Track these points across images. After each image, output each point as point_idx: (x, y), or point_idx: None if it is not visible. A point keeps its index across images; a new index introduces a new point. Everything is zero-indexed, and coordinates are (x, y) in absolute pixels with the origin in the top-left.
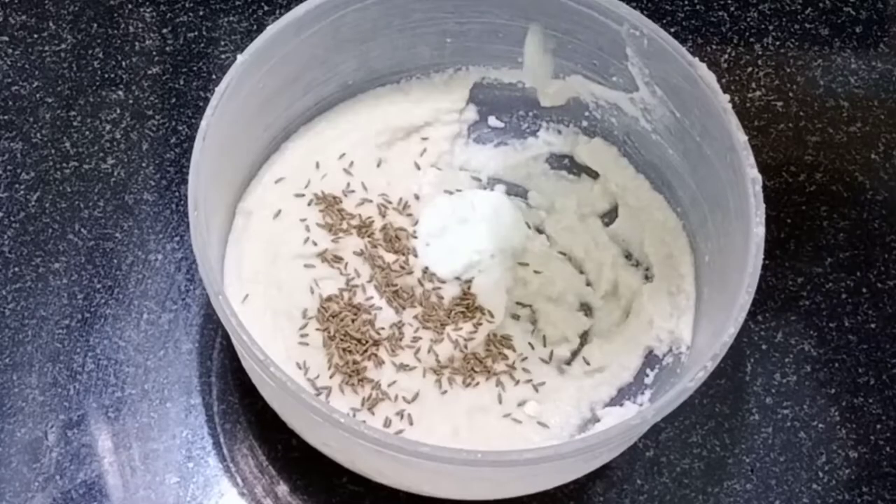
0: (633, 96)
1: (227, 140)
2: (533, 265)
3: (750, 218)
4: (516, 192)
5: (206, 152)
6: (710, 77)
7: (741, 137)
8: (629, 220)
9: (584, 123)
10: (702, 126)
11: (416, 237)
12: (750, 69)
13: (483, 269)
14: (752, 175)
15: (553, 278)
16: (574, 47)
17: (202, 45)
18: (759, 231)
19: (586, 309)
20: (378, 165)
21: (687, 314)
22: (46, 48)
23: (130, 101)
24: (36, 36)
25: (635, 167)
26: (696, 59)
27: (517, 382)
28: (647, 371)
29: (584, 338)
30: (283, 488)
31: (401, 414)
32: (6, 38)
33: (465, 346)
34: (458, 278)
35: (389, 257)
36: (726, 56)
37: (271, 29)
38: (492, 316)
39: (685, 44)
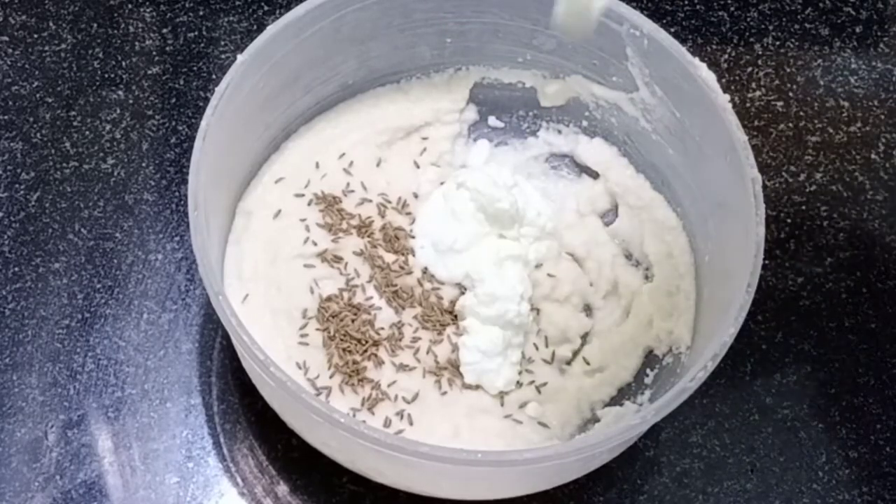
0: (633, 96)
1: (227, 140)
2: (546, 268)
3: (750, 217)
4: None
5: (206, 152)
6: (711, 77)
7: (741, 137)
8: (629, 220)
9: (584, 123)
10: (702, 126)
11: (413, 237)
12: (750, 69)
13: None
14: (752, 175)
15: (563, 280)
16: (574, 47)
17: (202, 45)
18: (759, 231)
19: (587, 309)
20: (378, 165)
21: (687, 314)
22: (46, 48)
23: (130, 101)
24: (36, 36)
25: (635, 167)
26: (696, 59)
27: (520, 384)
28: (647, 371)
29: (585, 338)
30: (283, 488)
31: (401, 414)
32: (6, 38)
33: None
34: (458, 284)
35: (389, 257)
36: (726, 56)
37: (271, 29)
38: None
39: (685, 44)
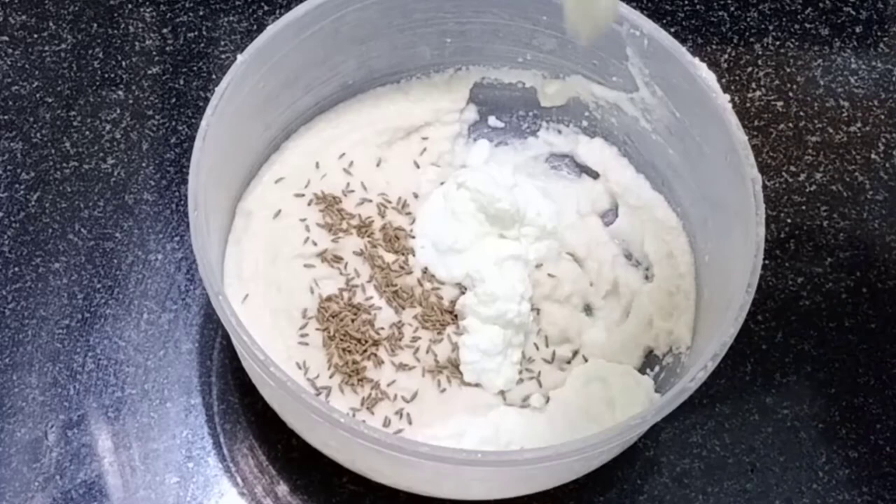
0: (633, 96)
1: (227, 140)
2: (546, 268)
3: (750, 217)
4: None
5: (206, 152)
6: (711, 77)
7: (741, 137)
8: (629, 220)
9: (584, 123)
10: (702, 126)
11: (413, 237)
12: (750, 69)
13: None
14: (752, 175)
15: (563, 280)
16: (574, 47)
17: (202, 44)
18: (759, 231)
19: (587, 309)
20: (378, 165)
21: (687, 314)
22: (46, 48)
23: (130, 101)
24: (36, 36)
25: (635, 167)
26: (697, 59)
27: (521, 381)
28: (647, 371)
29: (585, 337)
30: (283, 488)
31: (400, 413)
32: (6, 38)
33: None
34: (458, 284)
35: (389, 257)
36: (726, 56)
37: (271, 29)
38: None
39: (685, 44)
